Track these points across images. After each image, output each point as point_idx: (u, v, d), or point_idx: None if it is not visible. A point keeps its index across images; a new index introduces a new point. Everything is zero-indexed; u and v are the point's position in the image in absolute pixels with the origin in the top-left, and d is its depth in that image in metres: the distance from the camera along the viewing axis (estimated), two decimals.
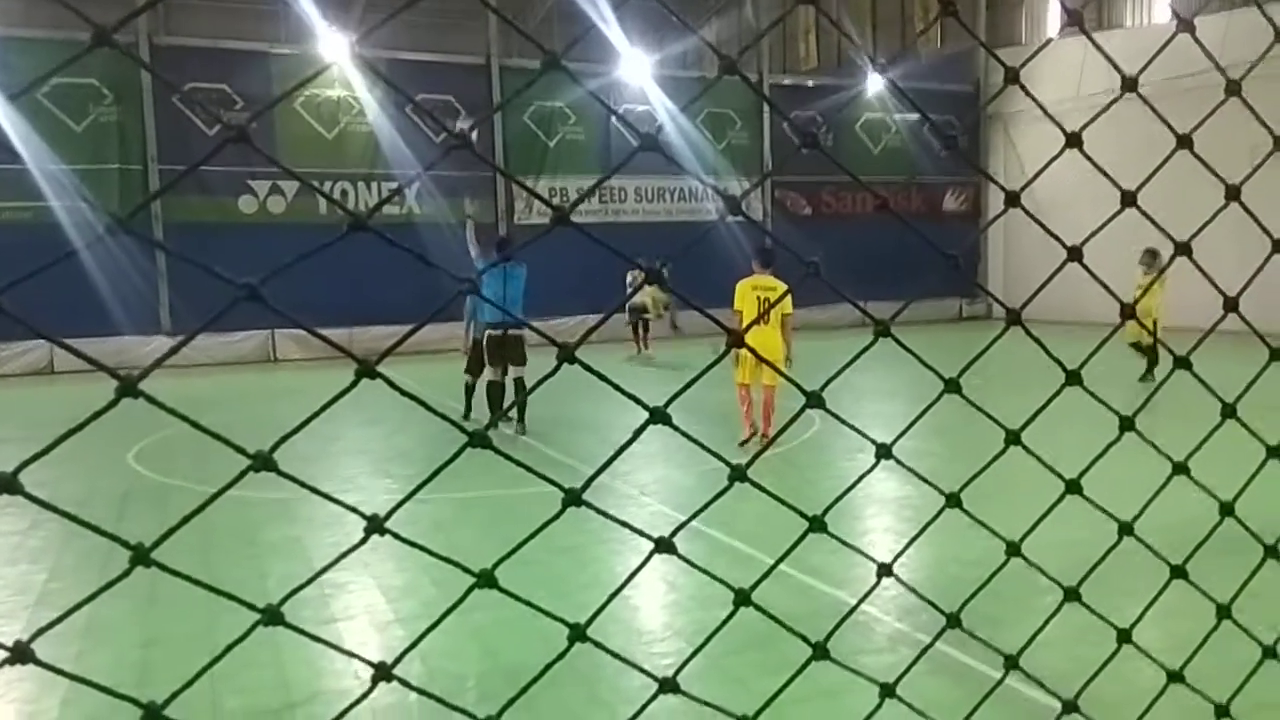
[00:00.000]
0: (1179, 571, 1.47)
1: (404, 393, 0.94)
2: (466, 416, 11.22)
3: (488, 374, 11.03)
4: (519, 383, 10.70)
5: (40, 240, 16.25)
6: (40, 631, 0.77)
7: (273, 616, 0.85)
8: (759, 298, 9.38)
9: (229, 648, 0.89)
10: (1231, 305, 1.35)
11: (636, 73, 22.30)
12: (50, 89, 17.69)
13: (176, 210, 18.79)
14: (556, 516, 1.02)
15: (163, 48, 19.61)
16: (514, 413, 10.77)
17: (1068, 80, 19.49)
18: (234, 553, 6.61)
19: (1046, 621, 1.51)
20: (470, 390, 11.42)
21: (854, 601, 1.40)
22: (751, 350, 1.20)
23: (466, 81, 21.55)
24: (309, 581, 0.96)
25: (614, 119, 22.15)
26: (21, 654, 0.74)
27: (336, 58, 17.99)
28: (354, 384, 0.86)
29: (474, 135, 0.90)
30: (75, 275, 16.76)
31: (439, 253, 17.70)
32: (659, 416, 1.00)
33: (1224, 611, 1.49)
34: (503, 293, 10.26)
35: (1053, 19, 25.70)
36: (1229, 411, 1.39)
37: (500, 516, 7.38)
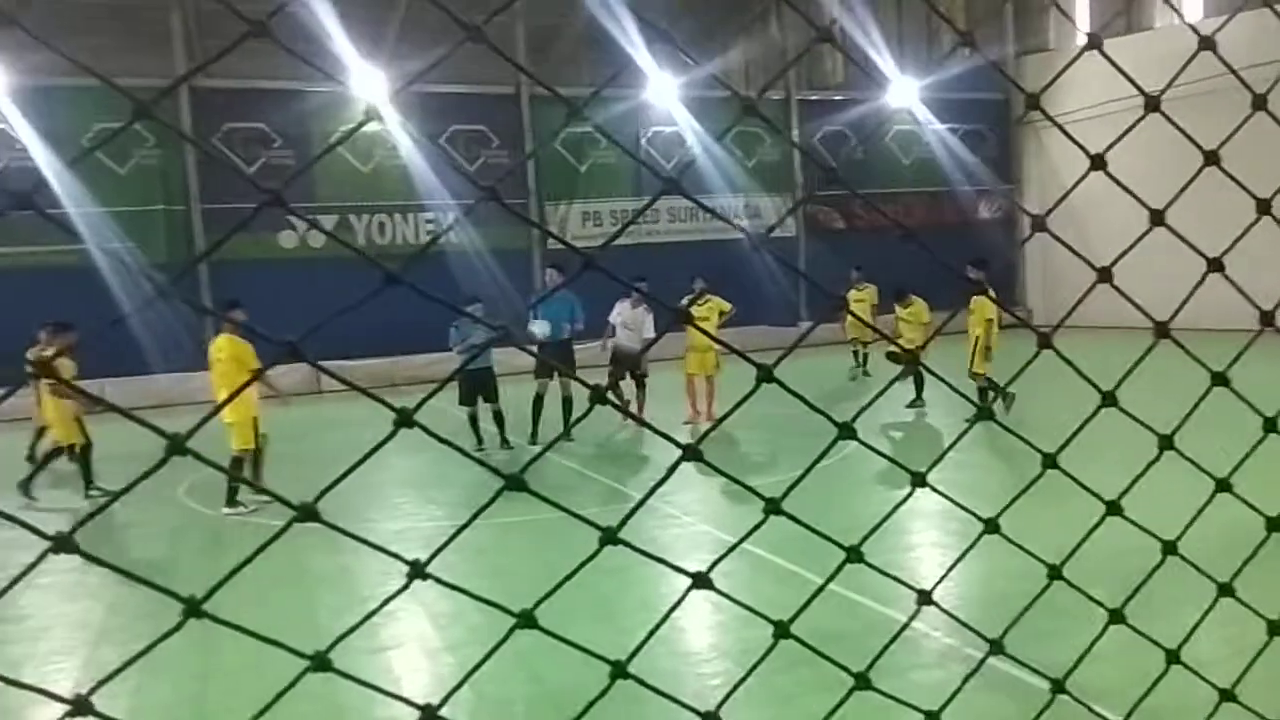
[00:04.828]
0: (1226, 590, 1.45)
1: (440, 439, 0.96)
2: (479, 446, 11.36)
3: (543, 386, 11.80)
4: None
5: (85, 283, 16.63)
6: (99, 684, 0.80)
7: (321, 663, 0.87)
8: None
9: (279, 695, 0.91)
10: (1267, 320, 1.33)
11: (664, 94, 22.41)
12: (93, 134, 18.07)
13: (219, 248, 19.11)
14: (591, 558, 1.04)
15: (201, 90, 20.03)
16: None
17: (1096, 87, 19.28)
18: (284, 583, 6.69)
19: (1094, 642, 1.50)
20: (474, 421, 11.64)
21: (903, 619, 1.40)
22: (780, 382, 1.27)
23: (498, 111, 21.80)
24: (355, 628, 0.99)
25: (644, 143, 22.30)
26: (80, 707, 0.77)
27: (371, 98, 18.27)
28: (392, 434, 0.88)
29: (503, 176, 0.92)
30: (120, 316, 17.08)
31: (469, 281, 17.67)
32: (691, 454, 1.01)
33: (1275, 628, 1.47)
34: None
35: (1082, 23, 25.45)
36: (1269, 425, 1.38)
37: (542, 540, 7.39)
